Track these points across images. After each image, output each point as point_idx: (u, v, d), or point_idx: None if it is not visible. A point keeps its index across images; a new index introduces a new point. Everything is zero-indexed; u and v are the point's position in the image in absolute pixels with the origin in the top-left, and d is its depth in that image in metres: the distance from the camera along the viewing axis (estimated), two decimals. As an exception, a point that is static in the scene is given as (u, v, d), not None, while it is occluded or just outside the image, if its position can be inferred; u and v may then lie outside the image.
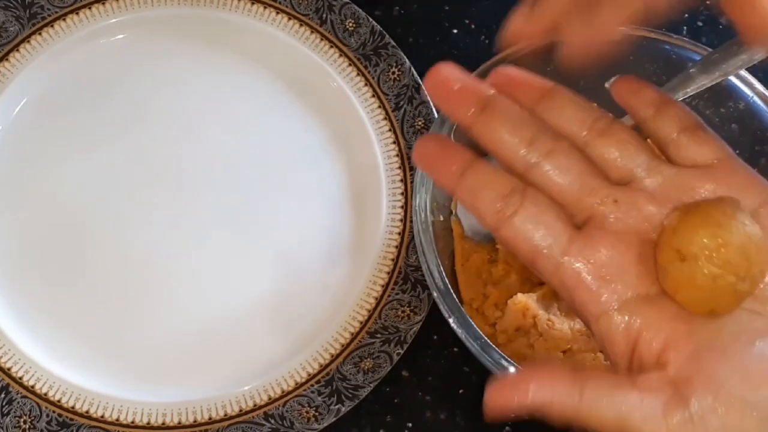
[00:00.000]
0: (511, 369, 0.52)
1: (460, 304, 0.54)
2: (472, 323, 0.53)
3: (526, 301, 0.55)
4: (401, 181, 0.62)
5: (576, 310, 0.40)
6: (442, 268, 0.55)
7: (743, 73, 0.59)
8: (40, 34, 0.64)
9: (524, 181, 0.41)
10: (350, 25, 0.65)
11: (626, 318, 0.38)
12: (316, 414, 0.56)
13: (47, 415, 0.56)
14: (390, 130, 0.63)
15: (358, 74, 0.64)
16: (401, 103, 0.64)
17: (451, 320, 0.53)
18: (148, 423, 0.56)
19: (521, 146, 0.41)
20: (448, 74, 0.43)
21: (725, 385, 0.36)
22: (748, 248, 0.37)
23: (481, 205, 0.41)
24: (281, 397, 0.57)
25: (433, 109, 0.63)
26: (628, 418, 0.36)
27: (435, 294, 0.54)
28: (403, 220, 0.61)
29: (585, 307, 0.39)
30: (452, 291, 0.54)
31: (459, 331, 0.53)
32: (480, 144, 0.42)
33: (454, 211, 0.59)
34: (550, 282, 0.41)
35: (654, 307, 0.38)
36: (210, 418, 0.56)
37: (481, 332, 0.53)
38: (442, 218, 0.59)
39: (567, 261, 0.39)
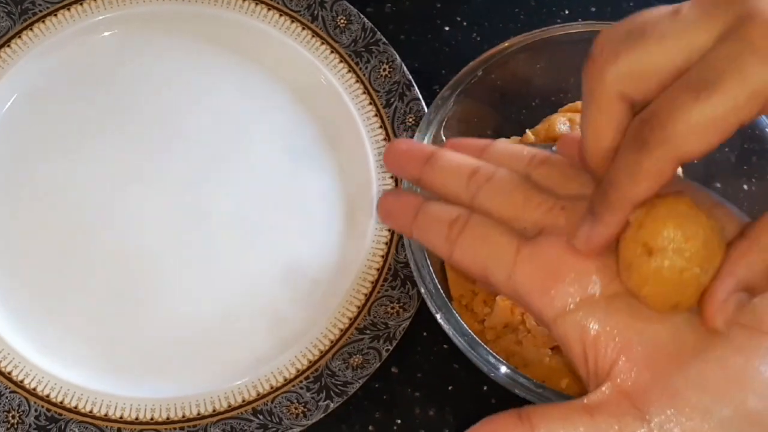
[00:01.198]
0: (502, 368, 0.52)
1: (447, 301, 0.54)
2: (460, 319, 0.53)
3: (514, 297, 0.55)
4: (391, 177, 0.62)
5: (535, 318, 0.39)
6: (430, 265, 0.55)
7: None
8: (31, 29, 0.64)
9: (471, 209, 0.42)
10: (341, 21, 0.65)
11: (581, 319, 0.37)
12: (305, 410, 0.56)
13: (36, 410, 0.56)
14: (381, 126, 0.63)
15: (349, 71, 0.64)
16: (392, 99, 0.64)
17: (438, 316, 0.53)
18: (137, 418, 0.56)
19: (463, 180, 0.42)
20: (397, 144, 0.46)
21: (684, 394, 0.35)
22: (712, 240, 0.37)
23: (432, 237, 0.42)
24: (270, 393, 0.57)
25: (424, 106, 0.63)
26: None
27: (423, 290, 0.54)
28: (393, 217, 0.61)
29: (541, 313, 0.38)
30: (441, 287, 0.54)
31: (446, 327, 0.53)
32: (431, 192, 0.43)
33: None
34: (507, 296, 0.40)
35: (610, 307, 0.37)
36: (198, 414, 0.56)
37: (468, 328, 0.53)
38: (431, 215, 0.59)
39: (517, 269, 0.39)
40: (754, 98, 0.34)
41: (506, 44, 0.59)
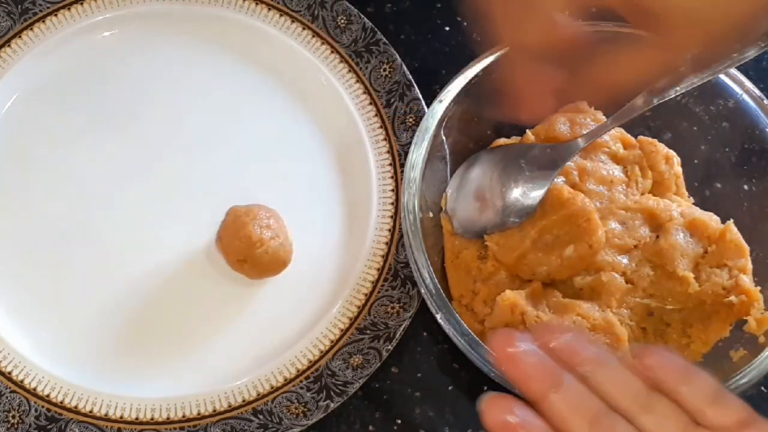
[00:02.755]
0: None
1: (448, 301, 0.54)
2: (460, 319, 0.53)
3: (514, 297, 0.55)
4: (392, 177, 0.62)
5: None
6: (430, 266, 0.55)
7: (733, 70, 0.59)
8: (31, 29, 0.64)
9: None
10: (342, 21, 0.65)
11: None
12: (305, 410, 0.56)
13: (36, 410, 0.56)
14: (381, 126, 0.63)
15: (349, 71, 0.64)
16: (392, 100, 0.64)
17: (438, 316, 0.54)
18: (137, 418, 0.56)
19: (584, 425, 0.44)
20: (520, 353, 0.45)
21: None
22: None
23: None
24: (270, 393, 0.57)
25: (424, 106, 0.63)
26: None
27: (423, 290, 0.54)
28: (393, 217, 0.61)
29: None
30: (441, 288, 0.54)
31: (446, 327, 0.53)
32: (547, 418, 0.45)
33: (443, 208, 0.59)
34: None
35: None
36: (199, 414, 0.56)
37: (468, 328, 0.53)
38: (431, 215, 0.59)
39: None
40: None
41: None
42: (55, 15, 0.64)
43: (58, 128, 0.63)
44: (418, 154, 0.57)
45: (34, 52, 0.63)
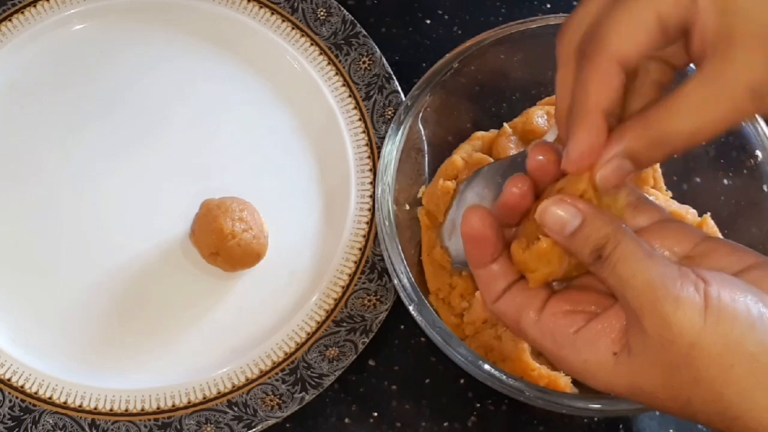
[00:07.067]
0: (476, 361, 0.52)
1: (421, 293, 0.54)
2: (433, 311, 0.53)
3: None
4: (370, 170, 0.62)
5: None
6: (403, 258, 0.54)
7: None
8: (10, 20, 0.64)
9: None
10: (322, 13, 0.65)
11: None
12: (280, 402, 0.56)
13: (10, 401, 0.56)
14: (360, 119, 0.63)
15: (328, 63, 0.64)
16: (372, 92, 0.63)
17: (411, 308, 0.53)
18: (111, 409, 0.56)
19: None
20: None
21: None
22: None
23: None
24: (245, 385, 0.57)
25: (403, 98, 0.63)
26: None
27: (396, 282, 0.54)
28: (371, 210, 0.61)
29: None
30: (417, 281, 0.54)
31: (419, 320, 0.53)
32: None
33: (419, 197, 0.59)
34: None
35: None
36: (173, 406, 0.56)
37: (441, 320, 0.53)
38: (408, 208, 0.59)
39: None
40: None
41: (483, 36, 0.59)
42: (34, 6, 0.64)
43: (33, 120, 0.63)
44: (392, 145, 0.57)
45: (13, 44, 0.63)
